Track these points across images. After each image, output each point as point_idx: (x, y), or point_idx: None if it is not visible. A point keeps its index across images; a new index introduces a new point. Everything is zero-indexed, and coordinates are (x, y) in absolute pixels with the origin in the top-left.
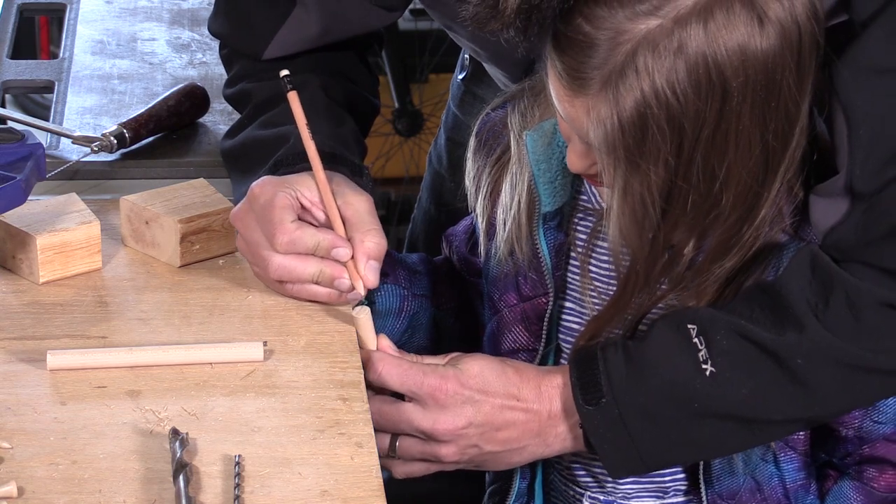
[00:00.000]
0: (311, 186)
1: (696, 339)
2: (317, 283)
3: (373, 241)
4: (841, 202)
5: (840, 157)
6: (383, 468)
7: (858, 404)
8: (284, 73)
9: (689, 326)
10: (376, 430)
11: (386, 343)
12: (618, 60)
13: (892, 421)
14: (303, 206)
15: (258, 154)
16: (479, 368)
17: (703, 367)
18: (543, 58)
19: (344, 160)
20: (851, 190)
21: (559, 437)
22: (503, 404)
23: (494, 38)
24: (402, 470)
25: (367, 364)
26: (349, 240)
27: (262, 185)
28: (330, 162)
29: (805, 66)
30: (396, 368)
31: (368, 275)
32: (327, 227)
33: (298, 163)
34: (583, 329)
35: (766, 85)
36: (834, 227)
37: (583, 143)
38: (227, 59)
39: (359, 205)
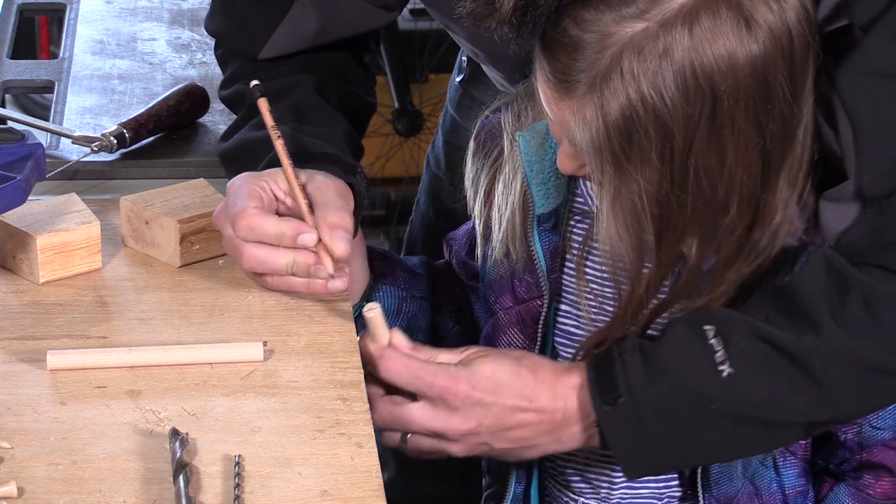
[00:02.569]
0: (284, 179)
1: (712, 341)
2: (293, 274)
3: (336, 216)
4: (851, 207)
5: (848, 161)
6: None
7: (875, 406)
8: (255, 82)
9: (706, 328)
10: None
11: (399, 339)
12: (603, 63)
13: (890, 427)
14: (276, 198)
15: (252, 154)
16: (491, 370)
17: (720, 368)
18: (532, 60)
19: (336, 159)
20: (861, 194)
21: (573, 437)
22: (515, 406)
23: (489, 34)
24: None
25: (377, 361)
26: (315, 218)
27: (236, 181)
28: (321, 161)
29: (798, 69)
30: (406, 368)
31: (337, 244)
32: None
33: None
34: (586, 338)
35: (758, 88)
36: (845, 232)
37: (572, 145)
38: (222, 59)
39: (326, 188)
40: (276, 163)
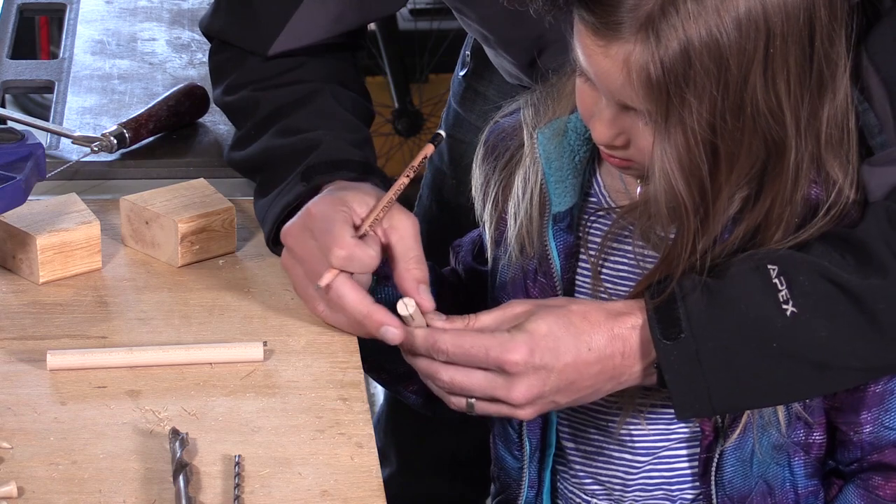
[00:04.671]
0: (366, 207)
1: (776, 280)
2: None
3: (419, 269)
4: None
5: (886, 129)
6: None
7: None
8: (441, 132)
9: (769, 267)
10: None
11: (434, 319)
12: (653, 1)
13: None
14: (355, 226)
15: (284, 161)
16: (547, 327)
17: (784, 307)
18: (566, 26)
19: (376, 170)
20: None
21: (632, 377)
22: (575, 360)
23: (524, 8)
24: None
25: (427, 347)
26: (396, 269)
27: (319, 206)
28: (363, 171)
29: (837, 12)
30: (458, 347)
31: (427, 300)
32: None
33: (331, 171)
34: (639, 280)
35: (805, 26)
36: (894, 189)
37: (612, 107)
38: (221, 66)
39: (405, 230)
40: (317, 169)
